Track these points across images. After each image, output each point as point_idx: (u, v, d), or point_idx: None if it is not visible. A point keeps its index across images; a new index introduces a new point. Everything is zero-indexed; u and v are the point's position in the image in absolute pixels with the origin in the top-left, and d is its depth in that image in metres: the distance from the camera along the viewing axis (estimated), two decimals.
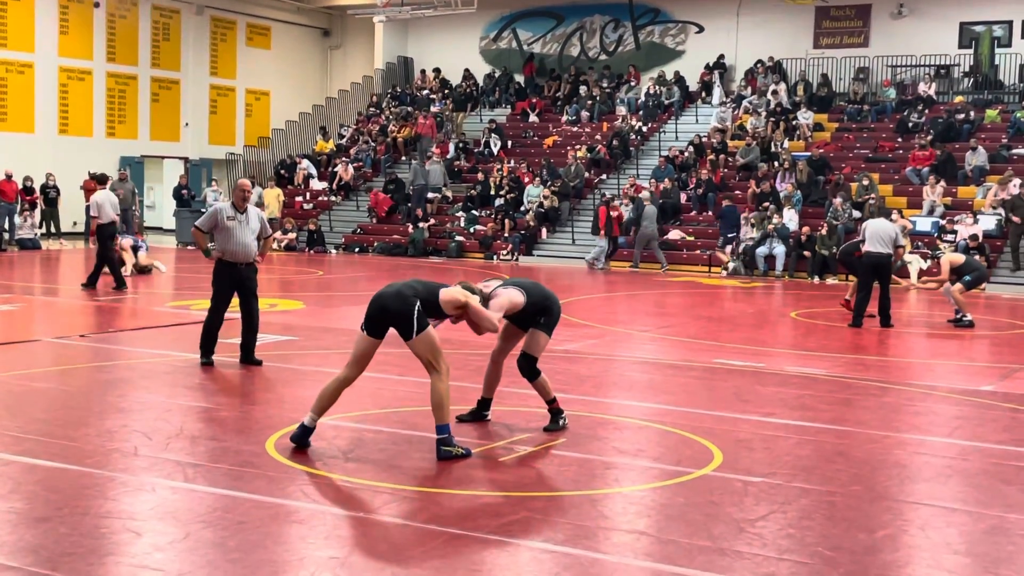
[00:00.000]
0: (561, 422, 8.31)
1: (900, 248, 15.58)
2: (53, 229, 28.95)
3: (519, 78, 35.59)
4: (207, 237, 10.90)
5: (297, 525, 5.94)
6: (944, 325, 15.68)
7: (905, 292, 21.43)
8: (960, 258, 16.58)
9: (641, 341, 13.84)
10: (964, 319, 15.59)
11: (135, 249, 20.90)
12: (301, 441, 7.44)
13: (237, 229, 10.67)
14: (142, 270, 20.56)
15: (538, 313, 8.30)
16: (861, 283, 15.42)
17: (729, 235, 25.12)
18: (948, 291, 15.93)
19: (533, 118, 33.50)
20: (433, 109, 34.43)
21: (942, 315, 16.63)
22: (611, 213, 25.74)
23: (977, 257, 22.15)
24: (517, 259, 26.48)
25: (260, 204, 29.10)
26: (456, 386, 9.03)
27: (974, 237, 22.43)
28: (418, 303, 7.39)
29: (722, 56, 32.53)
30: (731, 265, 24.46)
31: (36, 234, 27.75)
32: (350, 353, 7.62)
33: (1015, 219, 22.49)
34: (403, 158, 32.30)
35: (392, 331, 7.49)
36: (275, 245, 28.26)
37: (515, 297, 8.12)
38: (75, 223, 30.24)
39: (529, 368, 8.29)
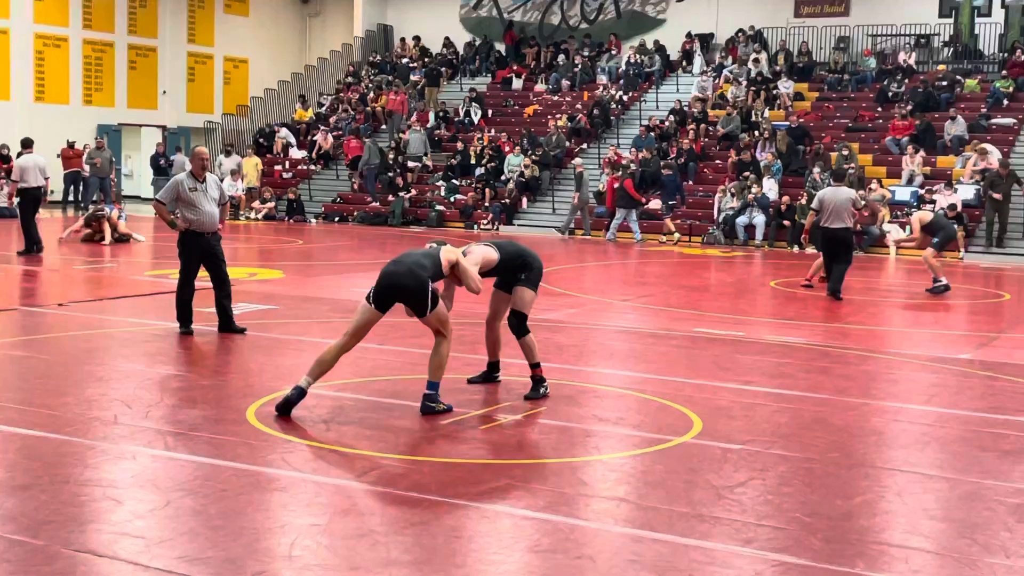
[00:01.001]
0: (542, 390, 8.34)
1: (861, 210, 15.00)
2: None
3: (500, 47, 35.44)
4: (169, 209, 10.87)
5: (278, 493, 5.95)
6: (923, 295, 15.74)
7: (885, 260, 21.53)
8: (928, 215, 16.49)
9: (621, 310, 13.87)
10: (939, 284, 15.51)
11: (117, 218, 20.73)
12: (295, 401, 7.45)
13: (200, 198, 10.64)
14: (119, 239, 20.43)
15: (518, 270, 8.40)
16: (827, 256, 15.00)
17: (670, 203, 25.42)
18: (924, 258, 15.95)
19: (516, 84, 33.36)
20: (413, 78, 34.25)
21: (921, 284, 16.70)
22: (615, 184, 25.42)
23: (954, 227, 22.31)
24: (498, 228, 26.45)
25: (238, 173, 28.98)
26: None
27: (952, 207, 22.52)
28: (430, 281, 7.53)
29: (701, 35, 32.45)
30: (676, 235, 24.56)
31: (13, 203, 27.53)
32: (351, 321, 7.66)
33: (995, 195, 22.49)
34: (383, 127, 32.15)
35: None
36: (254, 215, 28.15)
37: (488, 254, 8.22)
38: (52, 191, 29.96)
39: (519, 325, 8.36)
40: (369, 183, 28.87)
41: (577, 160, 26.70)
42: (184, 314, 10.72)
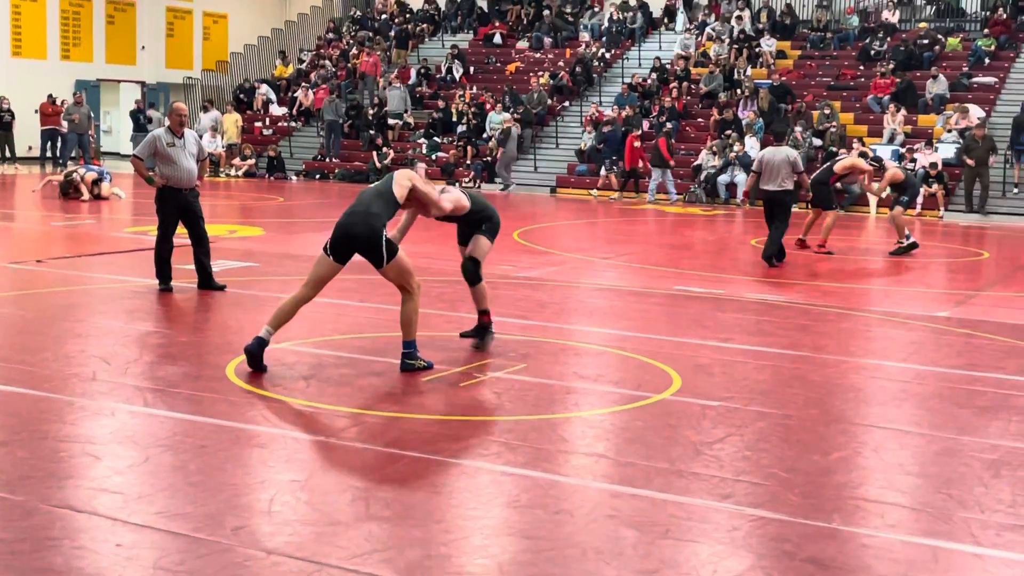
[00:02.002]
0: (488, 337, 8.42)
1: (801, 174, 14.03)
2: (7, 153, 28.51)
3: (482, 3, 35.18)
4: (146, 165, 10.81)
5: (258, 449, 5.95)
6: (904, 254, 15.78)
7: (865, 219, 21.58)
8: (900, 174, 16.10)
9: (602, 268, 13.87)
10: (903, 244, 15.25)
11: (98, 181, 20.49)
12: (257, 352, 7.40)
13: (177, 154, 10.56)
14: (99, 196, 20.28)
15: (481, 221, 8.53)
16: (767, 219, 14.15)
17: (613, 158, 25.56)
18: (892, 218, 15.77)
19: (498, 39, 33.15)
20: (392, 33, 33.99)
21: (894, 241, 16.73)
22: (635, 144, 25.15)
23: (935, 186, 22.35)
24: (479, 186, 26.37)
25: (218, 129, 28.77)
26: (419, 311, 9.04)
27: (933, 165, 22.56)
28: (383, 229, 7.43)
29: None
30: (617, 195, 24.64)
31: None
32: (309, 272, 7.62)
33: (968, 161, 22.36)
34: (377, 78, 31.87)
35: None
36: (234, 172, 27.99)
37: (462, 200, 8.33)
38: (30, 147, 29.78)
39: (474, 271, 8.47)
40: (328, 139, 28.76)
41: (505, 115, 26.97)
42: (163, 271, 10.68)
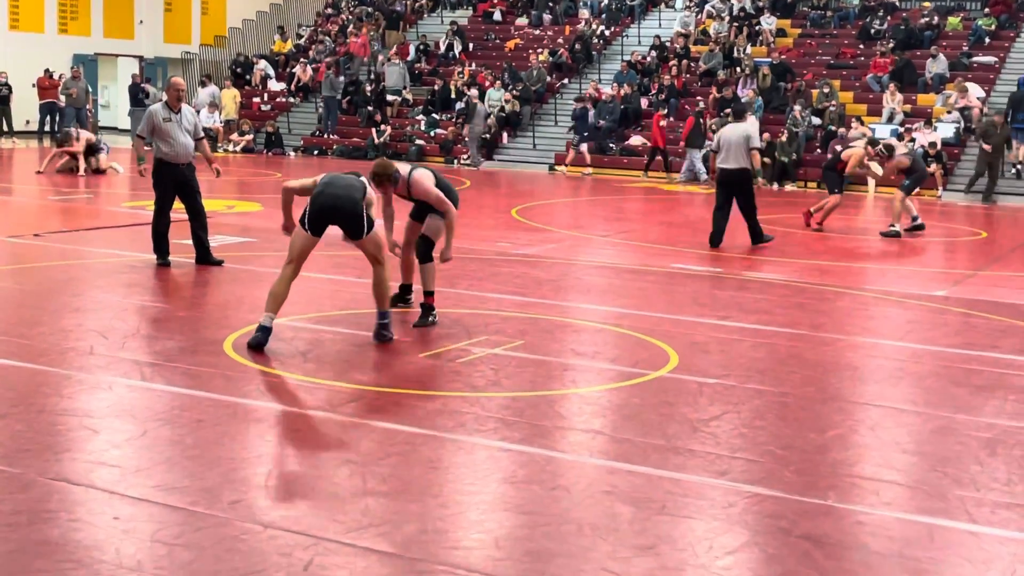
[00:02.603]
0: (431, 319, 8.47)
1: (755, 150, 13.58)
2: (5, 127, 28.41)
3: None
4: (143, 143, 10.99)
5: (255, 424, 5.96)
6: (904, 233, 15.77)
7: (863, 198, 21.56)
8: (906, 161, 15.87)
9: (600, 246, 13.87)
10: (893, 229, 15.11)
11: (95, 149, 20.42)
12: (262, 343, 7.39)
13: (174, 129, 10.54)
14: (97, 170, 20.23)
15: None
16: (718, 201, 13.67)
17: (584, 134, 25.61)
18: (903, 200, 15.72)
19: (498, 16, 33.02)
20: (396, 7, 33.86)
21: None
22: (660, 123, 24.74)
23: (933, 166, 22.29)
24: (477, 164, 26.31)
25: (216, 105, 28.67)
26: (416, 288, 9.05)
27: (932, 145, 22.51)
28: (363, 204, 7.61)
29: None
30: (589, 170, 24.89)
31: None
32: (289, 249, 7.69)
33: (985, 147, 22.01)
34: (365, 59, 31.76)
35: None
36: (232, 147, 27.91)
37: (430, 187, 8.47)
38: (28, 121, 29.68)
39: (426, 250, 8.56)
40: (326, 115, 28.71)
41: (473, 91, 27.02)
42: (160, 246, 10.67)
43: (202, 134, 11.06)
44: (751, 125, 13.91)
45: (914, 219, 15.54)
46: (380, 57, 30.75)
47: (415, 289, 8.83)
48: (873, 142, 16.84)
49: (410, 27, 33.60)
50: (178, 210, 10.77)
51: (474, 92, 26.83)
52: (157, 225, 10.67)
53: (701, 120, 24.24)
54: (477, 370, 7.18)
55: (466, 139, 26.23)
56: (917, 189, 15.86)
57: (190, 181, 10.72)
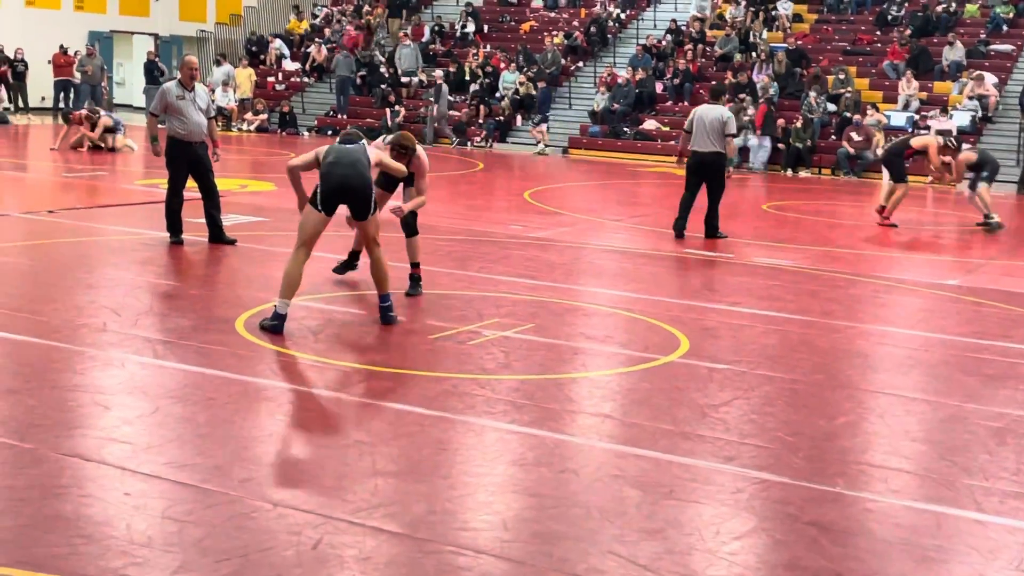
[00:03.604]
0: (419, 288, 8.75)
1: (731, 136, 12.78)
2: (20, 104, 28.47)
3: None
4: (155, 121, 11.06)
5: (266, 402, 5.99)
6: (914, 221, 15.72)
7: (878, 186, 21.49)
8: (973, 156, 15.35)
9: (612, 230, 13.86)
10: (992, 220, 14.68)
11: (111, 130, 20.45)
12: (278, 330, 7.35)
13: (187, 107, 10.56)
14: (111, 149, 20.25)
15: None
16: (687, 185, 13.04)
17: (545, 115, 26.02)
18: (972, 197, 15.22)
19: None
20: None
21: (911, 211, 16.68)
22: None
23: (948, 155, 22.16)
24: (491, 146, 26.29)
25: (230, 84, 28.67)
26: (428, 270, 9.08)
27: (948, 132, 22.39)
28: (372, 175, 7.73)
29: None
30: (541, 147, 25.15)
31: (3, 108, 27.30)
32: (300, 230, 7.61)
33: None
34: (384, 36, 31.58)
35: None
36: (246, 126, 27.92)
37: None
38: (43, 98, 29.73)
39: (412, 223, 8.83)
40: (337, 95, 28.69)
41: (438, 72, 27.41)
42: (174, 224, 10.69)
43: (213, 113, 11.07)
44: (727, 109, 13.26)
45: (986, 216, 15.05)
46: (374, 41, 30.56)
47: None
48: (942, 133, 16.44)
49: (425, 8, 33.53)
50: (191, 189, 10.79)
51: (439, 73, 27.42)
52: (170, 203, 10.70)
53: (772, 107, 23.75)
54: (488, 352, 7.20)
55: (436, 121, 26.62)
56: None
57: (203, 159, 10.74)
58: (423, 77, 29.38)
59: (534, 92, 27.36)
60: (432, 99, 26.83)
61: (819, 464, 5.34)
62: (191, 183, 10.78)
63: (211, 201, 10.74)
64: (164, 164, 10.82)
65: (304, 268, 7.57)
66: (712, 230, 12.82)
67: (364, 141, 7.83)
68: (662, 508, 4.70)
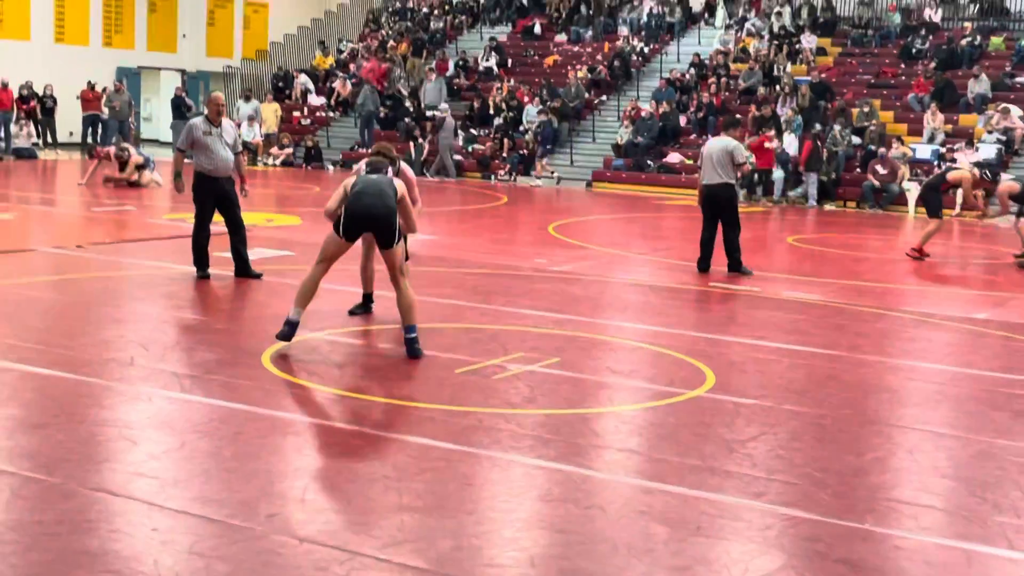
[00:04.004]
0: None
1: (744, 165, 12.80)
2: (49, 139, 28.75)
3: None
4: (182, 157, 11.22)
5: (292, 437, 5.99)
6: (940, 253, 15.64)
7: (904, 219, 21.41)
8: (1016, 186, 15.06)
9: (637, 263, 13.85)
10: None
11: (141, 167, 20.59)
12: (288, 336, 7.69)
13: (214, 143, 10.64)
14: (132, 184, 20.35)
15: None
16: (703, 221, 12.94)
17: (547, 147, 26.51)
18: (1017, 227, 14.96)
19: (537, 31, 33.08)
20: (434, 26, 34.03)
21: (939, 244, 16.59)
22: (765, 144, 23.61)
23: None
24: (515, 179, 26.36)
25: (256, 119, 28.90)
26: (453, 304, 9.08)
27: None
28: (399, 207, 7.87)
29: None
30: (541, 180, 25.57)
31: (32, 143, 27.58)
32: (321, 251, 7.91)
33: None
34: (402, 74, 31.80)
35: None
36: (272, 161, 28.09)
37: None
38: (71, 133, 30.04)
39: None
40: (362, 129, 28.87)
41: (443, 106, 27.60)
42: (200, 258, 10.75)
43: (240, 149, 11.15)
44: (733, 139, 12.93)
45: None
46: (392, 77, 30.73)
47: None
48: (979, 165, 16.31)
49: (449, 43, 33.74)
50: (218, 223, 10.85)
51: (444, 107, 27.50)
52: (197, 238, 10.76)
53: (819, 142, 23.38)
54: (513, 387, 7.19)
55: (440, 153, 26.82)
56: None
57: (230, 194, 10.81)
58: (541, 118, 29.43)
59: (557, 126, 27.44)
60: (432, 133, 27.27)
61: (848, 500, 5.30)
62: (218, 217, 10.85)
63: (237, 235, 10.80)
64: (191, 199, 10.89)
65: (320, 283, 7.89)
66: (735, 264, 12.68)
67: (391, 171, 8.03)
68: (690, 545, 4.67)
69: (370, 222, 7.73)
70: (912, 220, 21.48)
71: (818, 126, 24.49)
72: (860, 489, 5.49)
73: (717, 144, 12.74)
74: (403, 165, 8.93)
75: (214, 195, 10.74)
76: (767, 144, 23.55)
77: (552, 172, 25.92)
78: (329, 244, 7.91)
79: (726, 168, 12.50)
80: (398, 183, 8.00)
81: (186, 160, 11.12)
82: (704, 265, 12.75)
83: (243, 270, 10.81)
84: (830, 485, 5.51)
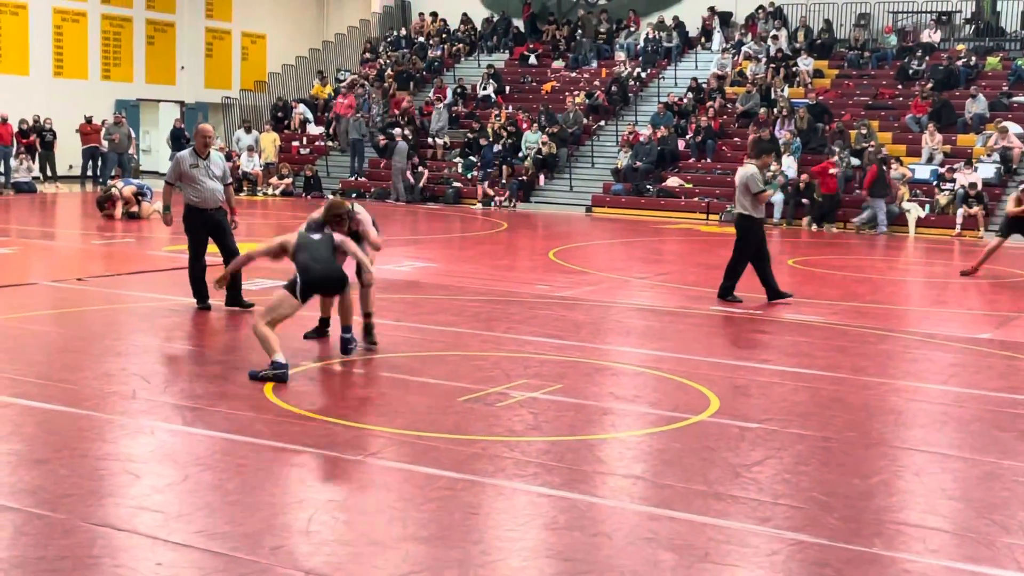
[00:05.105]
0: (373, 338, 9.09)
1: (763, 193, 12.25)
2: (49, 172, 28.82)
3: (518, 22, 35.28)
4: (172, 191, 11.29)
5: (296, 468, 5.97)
6: (942, 273, 15.64)
7: (905, 239, 21.41)
8: None
9: (638, 288, 13.84)
10: None
11: (140, 196, 20.64)
12: (283, 378, 7.74)
13: (200, 175, 10.64)
14: (132, 215, 20.36)
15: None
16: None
17: (487, 171, 27.25)
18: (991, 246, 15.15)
19: (534, 59, 33.20)
20: (432, 54, 34.17)
21: (941, 263, 16.60)
22: (830, 170, 23.44)
23: (976, 207, 22.13)
24: (515, 206, 26.40)
25: (256, 149, 28.96)
26: (454, 331, 9.06)
27: (973, 185, 22.37)
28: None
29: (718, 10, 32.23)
30: (494, 201, 26.38)
31: (32, 177, 27.64)
32: (273, 308, 8.14)
33: None
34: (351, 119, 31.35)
35: None
36: (271, 191, 28.13)
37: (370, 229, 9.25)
38: (71, 166, 30.11)
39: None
40: (352, 157, 28.98)
41: (396, 131, 28.21)
42: (199, 290, 10.74)
43: (230, 180, 11.15)
44: (752, 166, 12.47)
45: None
46: (375, 112, 30.85)
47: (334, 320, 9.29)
48: None
49: (447, 71, 33.86)
50: (213, 253, 10.84)
51: (396, 131, 28.13)
52: (193, 270, 10.77)
53: (884, 168, 23.00)
54: (516, 414, 7.17)
55: (399, 175, 27.32)
56: None
57: (221, 223, 10.80)
58: (447, 140, 29.59)
59: (556, 151, 27.50)
60: (387, 155, 27.89)
61: (855, 524, 5.27)
62: (213, 248, 10.84)
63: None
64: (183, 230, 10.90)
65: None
66: (773, 293, 12.29)
67: (328, 229, 8.56)
68: (697, 572, 4.64)
69: (327, 286, 8.33)
70: (912, 240, 21.49)
71: (884, 151, 23.90)
72: (867, 512, 5.46)
73: (740, 172, 12.54)
74: (357, 208, 9.14)
75: (204, 226, 10.74)
76: (831, 170, 23.30)
77: (494, 197, 26.65)
78: (282, 305, 8.13)
79: (743, 197, 12.23)
80: (337, 237, 8.47)
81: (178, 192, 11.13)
82: (722, 292, 12.45)
83: (235, 299, 10.75)
84: (837, 509, 5.48)
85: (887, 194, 22.80)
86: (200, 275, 10.75)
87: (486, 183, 26.83)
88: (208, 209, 10.72)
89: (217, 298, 10.82)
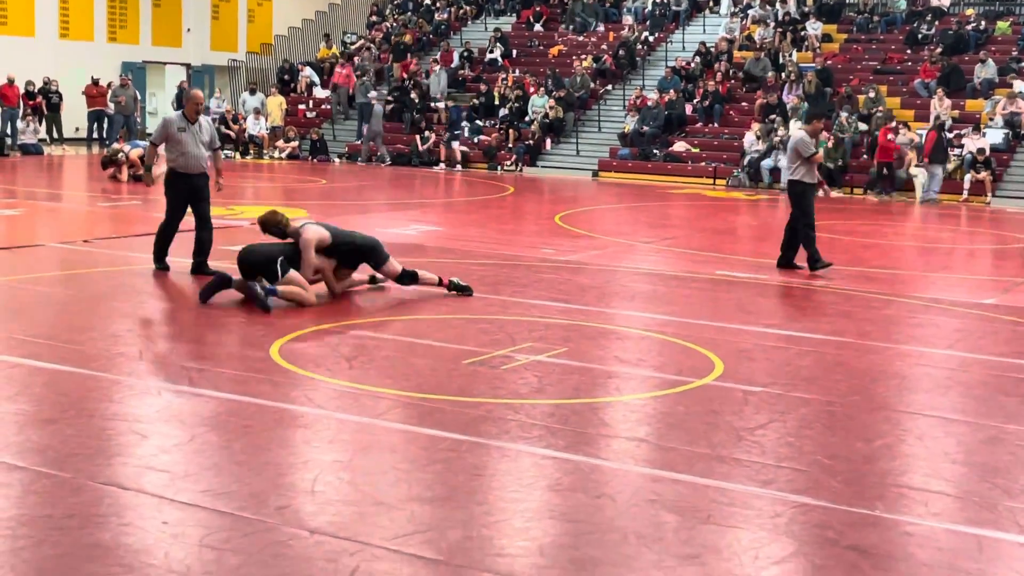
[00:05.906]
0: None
1: (816, 155, 12.02)
2: (55, 134, 28.79)
3: None
4: (156, 151, 11.33)
5: (302, 429, 6.00)
6: (948, 239, 15.62)
7: (911, 205, 21.36)
8: None
9: (644, 252, 13.84)
10: None
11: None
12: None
13: (188, 140, 10.58)
14: (137, 178, 20.35)
15: (361, 249, 9.60)
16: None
17: (455, 132, 27.60)
18: None
19: (538, 28, 33.05)
20: (438, 17, 34.01)
21: (948, 228, 16.57)
22: (888, 136, 22.80)
23: (983, 172, 22.06)
24: (521, 170, 26.35)
25: (262, 112, 28.90)
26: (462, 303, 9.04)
27: (981, 151, 22.28)
28: (281, 257, 9.11)
29: None
30: (442, 166, 26.45)
31: (38, 139, 27.62)
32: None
33: None
34: (350, 90, 31.29)
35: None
36: (278, 154, 28.10)
37: (322, 234, 9.39)
38: (77, 128, 30.05)
39: (411, 277, 9.70)
40: (359, 120, 28.91)
41: (372, 94, 28.41)
42: (161, 250, 10.69)
43: (218, 144, 11.11)
44: (801, 130, 12.43)
45: None
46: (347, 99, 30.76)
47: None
48: None
49: (454, 34, 33.71)
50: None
51: (373, 95, 28.31)
52: (164, 231, 10.71)
53: (943, 134, 22.72)
54: (521, 377, 7.19)
55: (371, 139, 27.41)
56: None
57: (201, 190, 10.73)
58: (448, 103, 29.46)
59: (563, 116, 27.42)
60: (364, 119, 28.02)
61: (858, 487, 5.29)
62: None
63: (204, 230, 10.64)
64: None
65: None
66: (812, 262, 11.97)
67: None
68: (700, 533, 4.67)
69: (251, 270, 9.03)
70: (919, 206, 21.42)
71: (942, 117, 23.60)
72: (870, 476, 5.48)
73: (790, 139, 12.37)
74: (304, 228, 9.43)
75: (185, 191, 10.68)
76: (889, 136, 22.94)
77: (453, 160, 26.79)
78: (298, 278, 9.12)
79: (792, 163, 12.08)
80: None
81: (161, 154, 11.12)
82: (781, 261, 12.26)
83: (200, 267, 10.57)
84: (840, 472, 5.50)
85: (947, 159, 22.63)
86: (169, 237, 10.70)
87: (455, 144, 26.99)
88: (191, 174, 10.67)
89: (216, 261, 10.83)
